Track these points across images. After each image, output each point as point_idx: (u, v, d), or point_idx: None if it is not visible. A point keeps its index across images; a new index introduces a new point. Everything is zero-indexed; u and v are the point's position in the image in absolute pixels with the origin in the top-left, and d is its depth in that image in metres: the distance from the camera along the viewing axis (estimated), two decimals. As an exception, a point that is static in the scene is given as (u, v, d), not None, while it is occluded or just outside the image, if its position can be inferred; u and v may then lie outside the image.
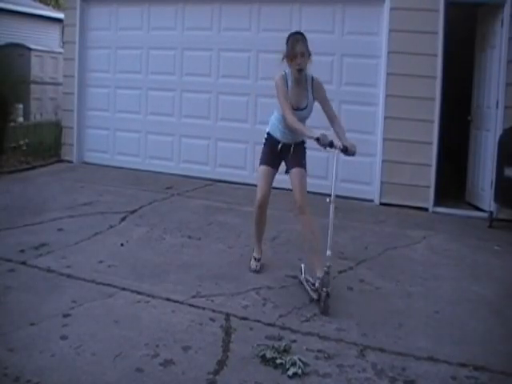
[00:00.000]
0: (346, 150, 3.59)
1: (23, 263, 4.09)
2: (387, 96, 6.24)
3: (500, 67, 5.83)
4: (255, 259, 4.14)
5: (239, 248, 4.66)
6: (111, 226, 5.09)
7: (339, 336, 3.18)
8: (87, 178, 7.08)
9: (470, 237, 5.31)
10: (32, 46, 11.93)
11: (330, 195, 3.62)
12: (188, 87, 7.31)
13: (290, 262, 4.32)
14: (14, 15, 13.24)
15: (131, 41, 7.61)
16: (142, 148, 7.64)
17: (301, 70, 3.69)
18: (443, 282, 4.12)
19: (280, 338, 3.11)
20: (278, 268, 4.16)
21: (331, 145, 3.53)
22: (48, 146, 8.39)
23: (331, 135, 3.66)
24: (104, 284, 3.77)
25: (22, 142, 8.47)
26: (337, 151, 3.58)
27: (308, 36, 3.78)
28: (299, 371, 2.76)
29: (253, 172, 6.90)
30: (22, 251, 4.31)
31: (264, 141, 4.01)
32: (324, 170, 6.25)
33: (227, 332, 3.17)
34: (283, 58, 3.72)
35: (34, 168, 7.58)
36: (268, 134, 3.98)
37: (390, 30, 6.18)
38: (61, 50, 10.20)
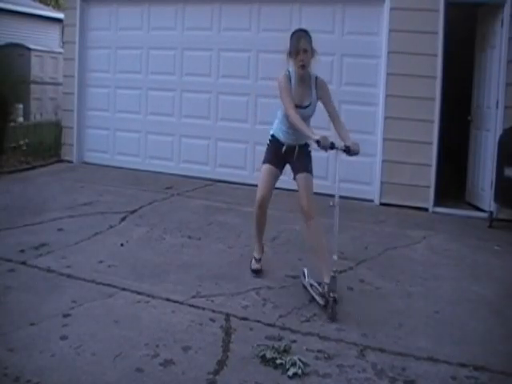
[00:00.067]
0: (348, 151, 3.53)
1: (23, 263, 4.09)
2: (387, 96, 6.24)
3: (500, 67, 5.83)
4: (256, 259, 4.10)
5: (239, 248, 4.66)
6: (111, 226, 5.09)
7: (339, 336, 3.18)
8: (87, 178, 7.08)
9: (469, 237, 5.31)
10: (32, 46, 11.93)
11: (330, 195, 3.61)
12: (188, 87, 7.31)
13: (290, 262, 4.32)
14: (14, 15, 13.24)
15: (131, 41, 7.61)
16: (142, 148, 7.64)
17: (304, 67, 3.64)
18: (443, 282, 4.12)
19: (280, 339, 3.11)
20: (278, 268, 4.15)
21: (332, 146, 3.48)
22: (48, 146, 8.40)
23: (332, 136, 3.64)
24: (104, 284, 3.77)
25: (21, 142, 8.47)
26: (338, 152, 3.54)
27: (307, 30, 3.77)
28: (299, 371, 2.76)
29: (253, 172, 6.91)
30: (22, 251, 4.31)
31: (268, 142, 3.96)
32: (324, 170, 6.25)
33: (227, 332, 3.17)
34: (289, 56, 3.68)
35: (34, 168, 7.58)
36: (272, 136, 3.93)
37: (390, 30, 6.18)
38: (61, 50, 10.20)
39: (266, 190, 3.86)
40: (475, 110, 6.39)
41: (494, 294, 3.94)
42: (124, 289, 3.71)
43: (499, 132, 5.78)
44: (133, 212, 5.59)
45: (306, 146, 3.88)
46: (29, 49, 11.76)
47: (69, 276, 3.89)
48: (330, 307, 3.36)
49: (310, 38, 3.67)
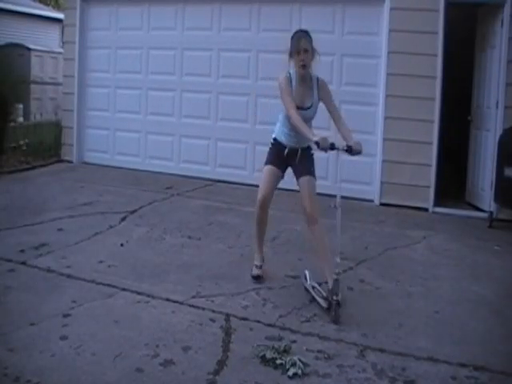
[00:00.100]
0: (350, 150, 3.49)
1: (23, 263, 4.09)
2: (387, 96, 6.24)
3: (500, 67, 5.83)
4: (256, 266, 3.98)
5: (239, 248, 4.66)
6: (111, 226, 5.09)
7: (339, 336, 3.18)
8: (87, 178, 7.08)
9: (469, 237, 5.31)
10: (32, 46, 11.93)
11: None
12: (188, 87, 7.31)
13: (290, 262, 4.32)
14: (14, 15, 13.24)
15: (131, 41, 7.61)
16: (142, 148, 7.64)
17: (304, 66, 3.62)
18: (443, 282, 4.12)
19: (280, 339, 3.11)
20: (278, 268, 4.15)
21: (332, 147, 3.44)
22: (48, 146, 8.40)
23: (332, 136, 3.62)
24: (104, 284, 3.77)
25: (21, 142, 8.47)
26: (339, 153, 3.51)
27: (308, 30, 3.77)
28: (299, 371, 2.76)
29: (253, 172, 6.92)
30: (22, 251, 4.31)
31: (270, 145, 3.91)
32: (324, 171, 6.24)
33: (227, 332, 3.17)
34: (289, 56, 3.67)
35: (34, 168, 7.58)
36: (274, 139, 3.88)
37: (390, 30, 6.18)
38: (61, 50, 10.20)
39: (267, 190, 3.82)
40: (475, 109, 6.39)
41: (493, 294, 3.94)
42: (124, 289, 3.71)
43: (499, 132, 5.78)
44: (133, 212, 5.59)
45: (309, 148, 3.83)
46: (29, 49, 11.76)
47: (69, 276, 3.89)
48: (334, 310, 3.33)
49: (310, 38, 3.67)
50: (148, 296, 3.61)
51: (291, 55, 3.67)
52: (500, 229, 5.60)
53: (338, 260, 3.39)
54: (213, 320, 3.31)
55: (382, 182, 6.36)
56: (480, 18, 6.30)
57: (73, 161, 7.99)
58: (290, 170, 3.92)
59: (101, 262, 4.20)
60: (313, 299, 3.59)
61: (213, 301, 3.58)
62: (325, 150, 3.42)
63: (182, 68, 7.34)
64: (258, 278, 3.91)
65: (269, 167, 3.84)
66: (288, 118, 3.70)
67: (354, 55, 6.47)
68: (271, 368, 2.81)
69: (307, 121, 3.70)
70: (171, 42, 7.34)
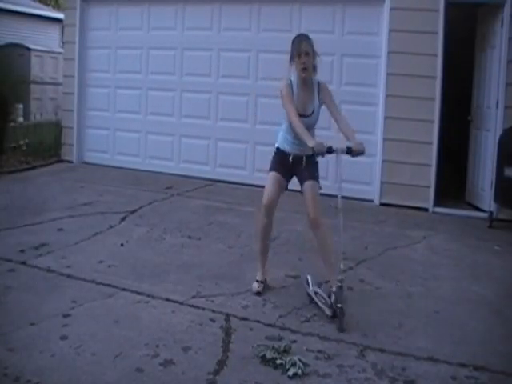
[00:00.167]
0: (350, 152, 3.45)
1: (23, 263, 4.09)
2: (387, 96, 6.24)
3: (500, 67, 5.83)
4: (258, 282, 3.79)
5: (239, 248, 4.66)
6: (111, 226, 5.09)
7: (339, 336, 3.18)
8: (87, 178, 7.08)
9: (469, 237, 5.31)
10: (32, 46, 11.94)
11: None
12: (188, 87, 7.31)
13: (290, 262, 4.32)
14: (14, 15, 13.24)
15: (131, 41, 7.61)
16: (142, 148, 7.64)
17: (305, 70, 3.58)
18: (443, 282, 4.12)
19: (280, 339, 3.11)
20: (278, 268, 4.14)
21: (330, 151, 3.40)
22: (48, 146, 8.40)
23: (334, 137, 3.59)
24: (104, 284, 3.77)
25: (22, 142, 8.47)
26: (340, 155, 3.48)
27: (308, 34, 3.76)
28: (299, 371, 2.76)
29: (253, 172, 6.92)
30: (22, 251, 4.31)
31: (273, 154, 3.83)
32: (324, 171, 6.21)
33: (227, 332, 3.17)
34: (290, 61, 3.62)
35: (34, 168, 7.58)
36: (277, 148, 3.80)
37: (390, 30, 6.18)
38: (61, 50, 10.20)
39: (272, 194, 3.70)
40: (475, 109, 6.39)
41: (493, 294, 3.94)
42: (124, 289, 3.71)
43: (499, 132, 5.78)
44: (133, 212, 5.59)
45: (314, 155, 3.70)
46: (29, 49, 11.76)
47: (69, 276, 3.89)
48: (338, 318, 3.27)
49: (311, 41, 3.62)
50: (148, 296, 3.61)
51: (292, 59, 3.63)
52: (500, 229, 5.60)
53: (342, 266, 3.35)
54: (213, 320, 3.31)
55: (381, 182, 6.36)
56: (480, 18, 6.30)
57: (73, 161, 7.99)
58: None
59: (101, 262, 4.20)
60: (314, 303, 3.55)
61: (213, 301, 3.58)
62: (321, 154, 3.39)
63: (182, 68, 7.34)
64: (259, 294, 3.74)
65: (273, 173, 3.74)
66: (292, 128, 3.64)
67: (353, 55, 6.47)
68: (271, 368, 2.81)
69: (310, 127, 3.66)
70: (171, 42, 7.34)
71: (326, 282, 3.61)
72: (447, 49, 6.09)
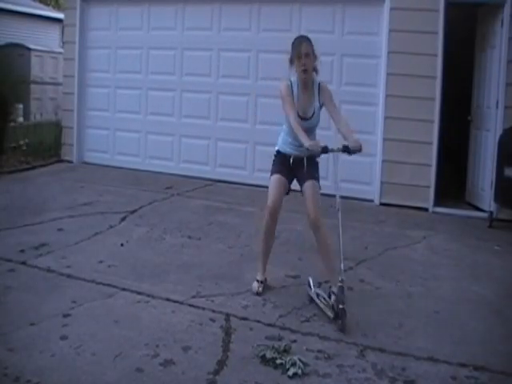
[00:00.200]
0: (347, 150, 3.46)
1: (23, 263, 4.09)
2: (387, 96, 6.24)
3: (500, 67, 5.83)
4: (258, 281, 3.78)
5: (239, 248, 4.66)
6: (111, 226, 5.09)
7: (339, 336, 3.18)
8: (87, 178, 7.08)
9: (469, 237, 5.31)
10: (32, 46, 11.93)
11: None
12: (188, 87, 7.31)
13: (290, 262, 4.32)
14: (14, 15, 13.24)
15: (131, 41, 7.61)
16: (142, 148, 7.64)
17: (306, 71, 3.57)
18: (443, 282, 4.12)
19: (280, 338, 3.11)
20: (278, 268, 4.14)
21: (325, 151, 3.41)
22: (48, 146, 8.40)
23: (333, 137, 3.58)
24: (104, 284, 3.77)
25: (22, 142, 8.48)
26: (337, 154, 3.48)
27: (308, 36, 3.76)
28: (299, 371, 2.76)
29: (253, 172, 6.93)
30: (22, 251, 4.31)
31: (274, 157, 3.82)
32: (324, 171, 6.21)
33: (227, 332, 3.17)
34: (291, 63, 3.62)
35: (34, 168, 7.59)
36: (277, 151, 3.80)
37: (390, 30, 6.18)
38: (61, 50, 10.20)
39: (277, 196, 3.67)
40: (475, 109, 6.39)
41: (493, 294, 3.94)
42: (124, 289, 3.71)
43: (499, 132, 5.78)
44: (133, 212, 5.59)
45: (314, 156, 3.71)
46: (29, 49, 11.76)
47: (69, 276, 3.89)
48: (340, 319, 3.25)
49: (311, 43, 3.62)
50: (148, 296, 3.61)
51: (292, 61, 3.62)
52: (500, 229, 5.60)
53: (342, 266, 3.34)
54: (213, 320, 3.31)
55: (381, 182, 6.36)
56: (480, 18, 6.30)
57: (73, 161, 7.99)
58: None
59: (101, 261, 4.20)
60: (316, 305, 3.54)
61: (213, 301, 3.58)
62: (316, 155, 3.39)
63: (182, 68, 7.35)
64: (259, 294, 3.73)
65: (276, 176, 3.72)
66: (293, 130, 3.65)
67: (354, 55, 6.47)
68: (271, 368, 2.81)
69: (312, 130, 3.68)
70: (171, 41, 7.34)
71: (326, 281, 3.61)
72: (447, 49, 6.09)
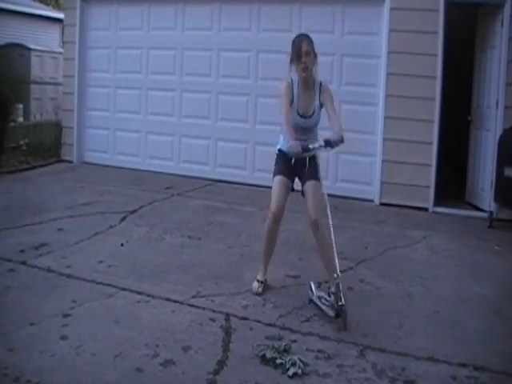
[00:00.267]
0: (329, 144, 3.46)
1: (23, 263, 4.09)
2: (387, 96, 6.24)
3: (500, 67, 5.83)
4: (258, 281, 3.77)
5: (239, 248, 4.66)
6: (111, 226, 5.09)
7: (339, 336, 3.18)
8: (87, 178, 7.08)
9: (469, 237, 5.31)
10: (32, 46, 11.93)
11: (329, 195, 3.59)
12: (188, 87, 7.31)
13: (290, 262, 4.32)
14: (14, 15, 13.24)
15: (131, 41, 7.61)
16: (142, 148, 7.64)
17: (306, 69, 3.57)
18: (443, 282, 4.12)
19: (280, 338, 3.11)
20: (278, 268, 4.13)
21: (306, 150, 3.43)
22: (48, 146, 8.40)
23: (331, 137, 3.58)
24: (104, 284, 3.77)
25: (22, 142, 8.47)
26: (321, 150, 3.50)
27: (308, 34, 3.75)
28: (299, 371, 2.76)
29: (253, 172, 6.93)
30: (22, 251, 4.31)
31: (275, 157, 3.80)
32: (324, 170, 6.21)
33: (227, 332, 3.17)
34: (291, 62, 3.61)
35: (34, 168, 7.58)
36: (279, 150, 3.79)
37: (390, 30, 6.18)
38: (61, 50, 10.20)
39: (280, 199, 3.64)
40: (475, 109, 6.39)
41: (494, 294, 3.94)
42: (124, 289, 3.71)
43: (499, 132, 5.78)
44: (133, 212, 5.59)
45: (316, 156, 3.71)
46: (29, 49, 11.75)
47: (69, 276, 3.89)
48: (340, 316, 3.24)
49: (311, 41, 3.61)
50: (148, 296, 3.61)
51: (292, 60, 3.61)
52: (500, 229, 5.60)
53: (337, 262, 3.33)
54: (213, 320, 3.31)
55: (382, 182, 6.36)
56: (480, 18, 6.30)
57: (73, 161, 7.99)
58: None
59: (101, 261, 4.20)
60: (318, 307, 3.53)
61: (213, 300, 3.58)
62: (298, 154, 3.43)
63: (182, 68, 7.35)
64: (259, 295, 3.72)
65: (279, 177, 3.70)
66: (293, 127, 3.62)
67: (354, 55, 6.47)
68: (271, 368, 2.81)
69: (312, 128, 3.68)
70: (171, 42, 7.34)
71: (326, 282, 3.61)
72: (447, 49, 6.09)
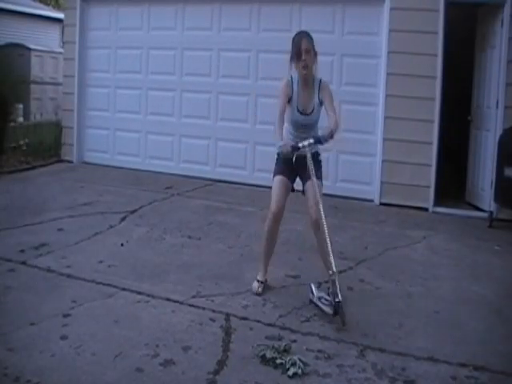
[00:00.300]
0: (319, 140, 3.49)
1: (23, 263, 4.09)
2: (387, 96, 6.24)
3: (500, 67, 5.83)
4: (258, 281, 3.77)
5: (239, 248, 4.66)
6: (111, 226, 5.09)
7: (339, 336, 3.18)
8: (87, 178, 7.08)
9: (469, 237, 5.31)
10: (32, 46, 11.92)
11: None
12: (188, 87, 7.31)
13: (290, 262, 4.32)
14: (14, 15, 13.24)
15: (131, 41, 7.61)
16: (142, 148, 7.64)
17: (306, 67, 3.57)
18: (443, 282, 4.12)
19: (280, 338, 3.11)
20: (278, 268, 4.13)
21: (296, 149, 3.45)
22: (48, 146, 8.40)
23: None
24: (104, 284, 3.77)
25: (22, 142, 8.47)
26: (311, 147, 3.52)
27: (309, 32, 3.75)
28: (299, 371, 2.76)
29: (253, 172, 6.93)
30: (22, 251, 4.31)
31: (276, 156, 3.78)
32: (323, 170, 6.24)
33: (227, 332, 3.17)
34: (291, 60, 3.61)
35: (34, 168, 7.58)
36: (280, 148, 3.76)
37: (390, 30, 6.18)
38: (61, 50, 10.20)
39: (280, 199, 3.62)
40: (475, 109, 6.39)
41: (494, 294, 3.94)
42: (124, 289, 3.71)
43: (499, 132, 5.78)
44: (133, 212, 5.59)
45: (317, 154, 3.73)
46: (29, 49, 11.75)
47: (69, 276, 3.89)
48: (338, 313, 3.24)
49: (311, 39, 3.61)
50: (148, 296, 3.61)
51: (292, 58, 3.61)
52: (500, 229, 5.60)
53: (332, 259, 3.33)
54: (213, 320, 3.31)
55: (382, 182, 6.36)
56: (480, 18, 6.30)
57: (73, 161, 7.99)
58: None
59: (101, 261, 4.20)
60: (319, 308, 3.52)
61: (213, 300, 3.58)
62: (286, 154, 3.45)
63: (182, 68, 7.35)
64: (259, 295, 3.72)
65: (279, 177, 3.70)
66: (293, 124, 3.65)
67: (354, 55, 6.47)
68: (271, 368, 2.81)
69: (311, 126, 3.68)
70: (171, 42, 7.34)
71: (326, 281, 3.61)
72: (447, 49, 6.09)
